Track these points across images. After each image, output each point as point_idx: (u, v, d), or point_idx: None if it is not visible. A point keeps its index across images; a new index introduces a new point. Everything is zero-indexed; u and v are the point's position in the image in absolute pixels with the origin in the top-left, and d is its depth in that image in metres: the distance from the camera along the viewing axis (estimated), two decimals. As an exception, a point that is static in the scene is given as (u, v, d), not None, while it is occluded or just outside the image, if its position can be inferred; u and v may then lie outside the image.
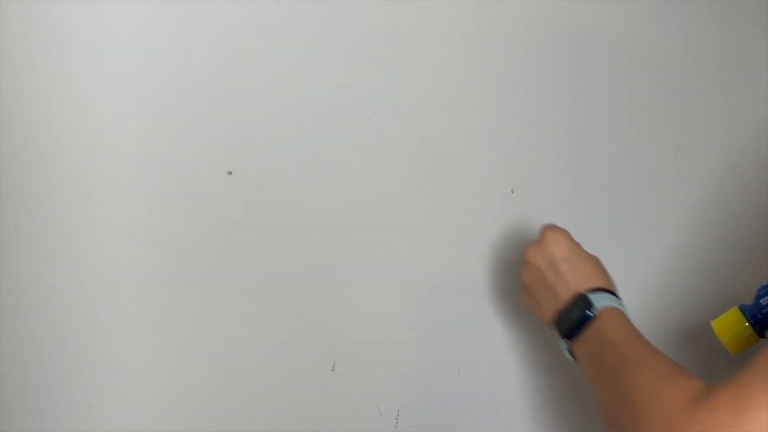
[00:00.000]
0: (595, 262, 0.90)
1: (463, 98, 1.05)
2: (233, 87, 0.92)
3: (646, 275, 1.14)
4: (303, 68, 0.95)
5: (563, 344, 0.87)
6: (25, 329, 0.84)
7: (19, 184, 0.83)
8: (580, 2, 1.11)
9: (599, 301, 0.84)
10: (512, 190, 1.08)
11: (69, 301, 0.85)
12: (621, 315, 0.84)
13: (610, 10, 1.13)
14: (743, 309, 0.91)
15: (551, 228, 0.93)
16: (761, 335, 0.89)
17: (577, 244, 0.92)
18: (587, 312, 0.83)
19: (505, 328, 1.07)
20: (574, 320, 0.84)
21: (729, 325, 0.91)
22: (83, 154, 0.85)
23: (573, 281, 0.87)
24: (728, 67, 1.20)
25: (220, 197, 0.91)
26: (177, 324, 0.90)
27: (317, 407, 0.97)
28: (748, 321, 0.90)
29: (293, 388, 0.95)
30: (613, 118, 1.15)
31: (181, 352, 0.90)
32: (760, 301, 0.90)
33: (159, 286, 0.89)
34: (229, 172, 0.91)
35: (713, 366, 0.85)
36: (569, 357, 0.87)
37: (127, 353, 0.88)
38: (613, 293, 0.87)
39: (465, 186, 1.05)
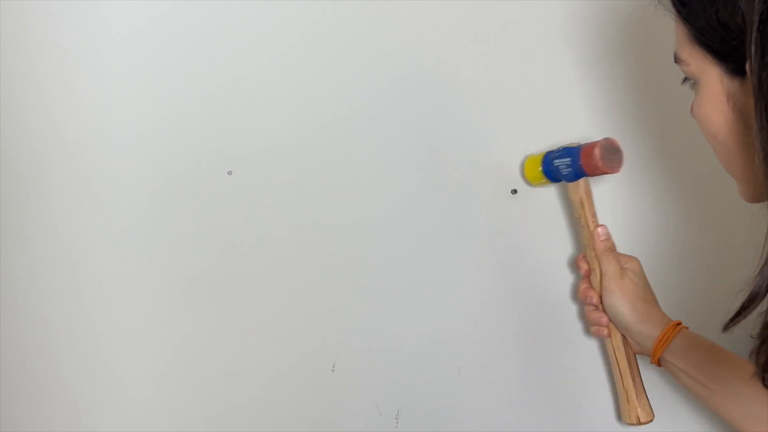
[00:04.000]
0: None
1: (463, 98, 1.05)
2: (233, 87, 0.92)
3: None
4: (303, 68, 0.95)
5: None
6: (26, 330, 0.84)
7: (18, 185, 0.83)
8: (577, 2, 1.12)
9: None
10: (512, 190, 1.08)
11: (69, 301, 0.85)
12: None
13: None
14: (546, 156, 1.05)
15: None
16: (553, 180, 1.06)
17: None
18: None
19: (505, 328, 1.07)
20: None
21: (531, 163, 1.07)
22: (83, 154, 0.85)
23: None
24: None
25: (220, 197, 0.91)
26: (176, 324, 0.90)
27: (317, 407, 0.97)
28: (542, 166, 1.05)
29: (293, 388, 0.95)
30: (615, 117, 1.15)
31: (181, 351, 0.90)
32: (554, 162, 1.03)
33: (159, 286, 0.89)
34: (229, 172, 0.92)
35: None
36: None
37: (127, 353, 0.88)
38: None
39: (465, 186, 1.05)
